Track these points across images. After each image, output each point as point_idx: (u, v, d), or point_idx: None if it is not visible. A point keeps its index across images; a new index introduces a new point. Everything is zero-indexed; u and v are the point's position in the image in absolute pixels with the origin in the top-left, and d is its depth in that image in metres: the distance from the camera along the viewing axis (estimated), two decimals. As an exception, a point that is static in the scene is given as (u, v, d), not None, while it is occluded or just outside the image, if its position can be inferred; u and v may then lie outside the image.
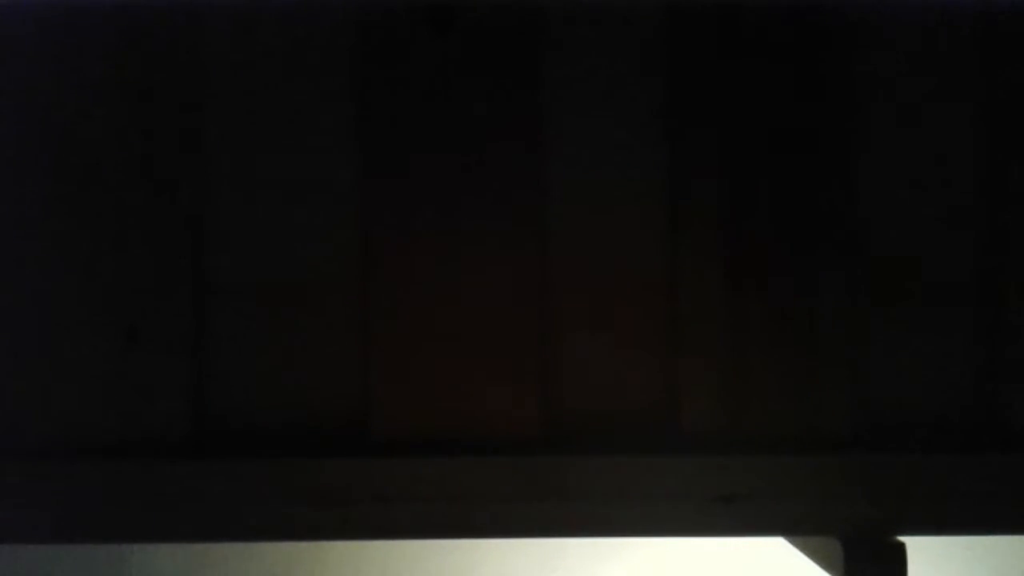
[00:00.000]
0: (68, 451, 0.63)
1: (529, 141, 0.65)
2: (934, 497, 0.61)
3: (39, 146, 0.65)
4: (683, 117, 0.66)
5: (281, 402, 0.64)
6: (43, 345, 0.64)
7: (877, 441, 0.64)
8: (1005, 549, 0.94)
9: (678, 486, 0.61)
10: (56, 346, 0.64)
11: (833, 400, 0.64)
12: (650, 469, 0.61)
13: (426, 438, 0.63)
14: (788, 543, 0.77)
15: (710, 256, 0.65)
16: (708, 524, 0.61)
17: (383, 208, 0.65)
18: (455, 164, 0.65)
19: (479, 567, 0.93)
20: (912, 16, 0.67)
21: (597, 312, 0.65)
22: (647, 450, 0.63)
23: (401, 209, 0.65)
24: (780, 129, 0.66)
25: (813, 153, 0.65)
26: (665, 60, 0.66)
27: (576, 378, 0.65)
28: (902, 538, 0.62)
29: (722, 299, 0.65)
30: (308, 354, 0.64)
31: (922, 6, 0.67)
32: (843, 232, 0.65)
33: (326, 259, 0.65)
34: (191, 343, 0.64)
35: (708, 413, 0.64)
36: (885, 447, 0.64)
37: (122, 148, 0.65)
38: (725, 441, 0.64)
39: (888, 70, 0.66)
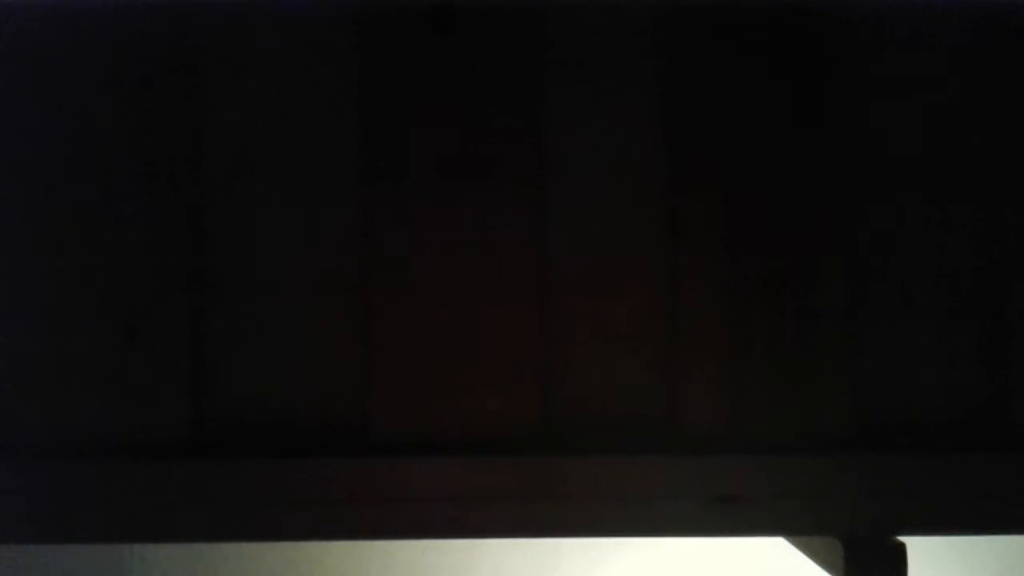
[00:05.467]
0: (68, 451, 0.63)
1: (529, 141, 0.65)
2: (934, 497, 0.61)
3: (39, 146, 0.65)
4: (683, 117, 0.66)
5: (281, 402, 0.64)
6: (43, 345, 0.64)
7: (877, 441, 0.64)
8: (1005, 549, 0.94)
9: (678, 486, 0.61)
10: (56, 346, 0.64)
11: (833, 400, 0.64)
12: (650, 469, 0.61)
13: (426, 438, 0.63)
14: (788, 543, 0.77)
15: (710, 256, 0.65)
16: (708, 524, 0.61)
17: (383, 207, 0.65)
18: (455, 163, 0.65)
19: (478, 567, 0.93)
20: (912, 16, 0.67)
21: (597, 312, 0.65)
22: (647, 450, 0.63)
23: (401, 208, 0.65)
24: (780, 129, 0.66)
25: (813, 153, 0.65)
26: (665, 60, 0.66)
27: (576, 378, 0.65)
28: (902, 538, 0.62)
29: (722, 299, 0.65)
30: (308, 354, 0.64)
31: (922, 6, 0.67)
32: (843, 232, 0.65)
33: (326, 258, 0.65)
34: (191, 343, 0.64)
35: (708, 413, 0.64)
36: (885, 447, 0.64)
37: (122, 148, 0.65)
38: (725, 441, 0.64)
39: (888, 70, 0.66)
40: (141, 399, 0.64)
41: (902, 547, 0.61)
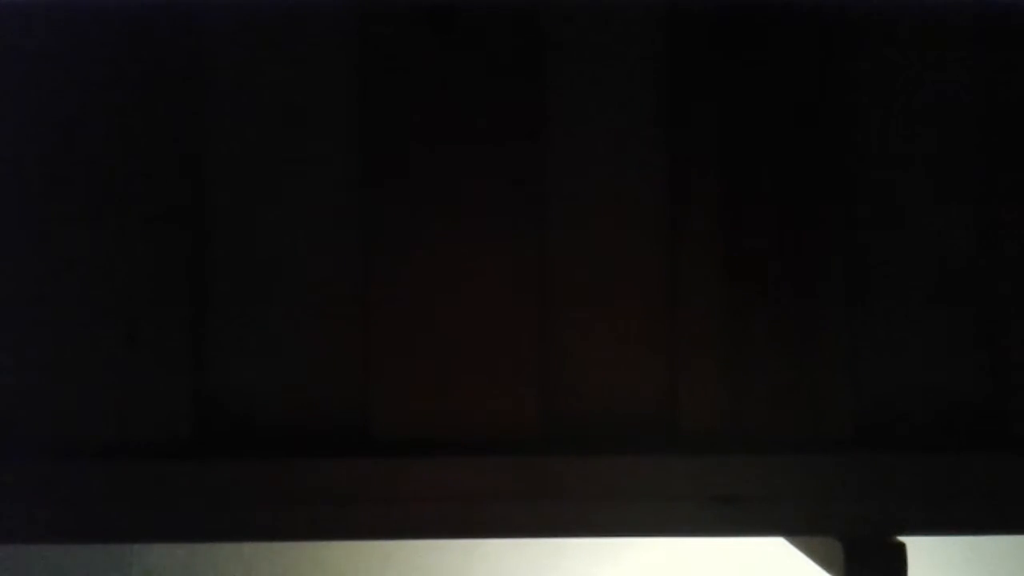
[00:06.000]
0: (68, 451, 0.63)
1: (529, 141, 0.65)
2: (934, 497, 0.61)
3: (39, 146, 0.65)
4: (683, 117, 0.66)
5: (281, 402, 0.64)
6: (43, 345, 0.64)
7: (877, 441, 0.64)
8: (1005, 549, 0.94)
9: (678, 486, 0.61)
10: (56, 346, 0.64)
11: (833, 400, 0.64)
12: (650, 469, 0.61)
13: (426, 438, 0.63)
14: (788, 543, 0.77)
15: (710, 256, 0.65)
16: (708, 524, 0.61)
17: (383, 207, 0.65)
18: (455, 164, 0.65)
19: (478, 567, 0.93)
20: (912, 16, 0.67)
21: (597, 312, 0.65)
22: (647, 450, 0.63)
23: (401, 208, 0.65)
24: (780, 129, 0.66)
25: (812, 153, 0.65)
26: (665, 60, 0.66)
27: (576, 378, 0.65)
28: (902, 538, 0.62)
29: (722, 299, 0.65)
30: (308, 354, 0.64)
31: (922, 6, 0.67)
32: (843, 232, 0.65)
33: (326, 258, 0.65)
34: (191, 343, 0.64)
35: (708, 413, 0.64)
36: (885, 447, 0.64)
37: (122, 148, 0.65)
38: (725, 441, 0.64)
39: (888, 70, 0.66)
40: (141, 399, 0.64)
41: (902, 547, 0.61)
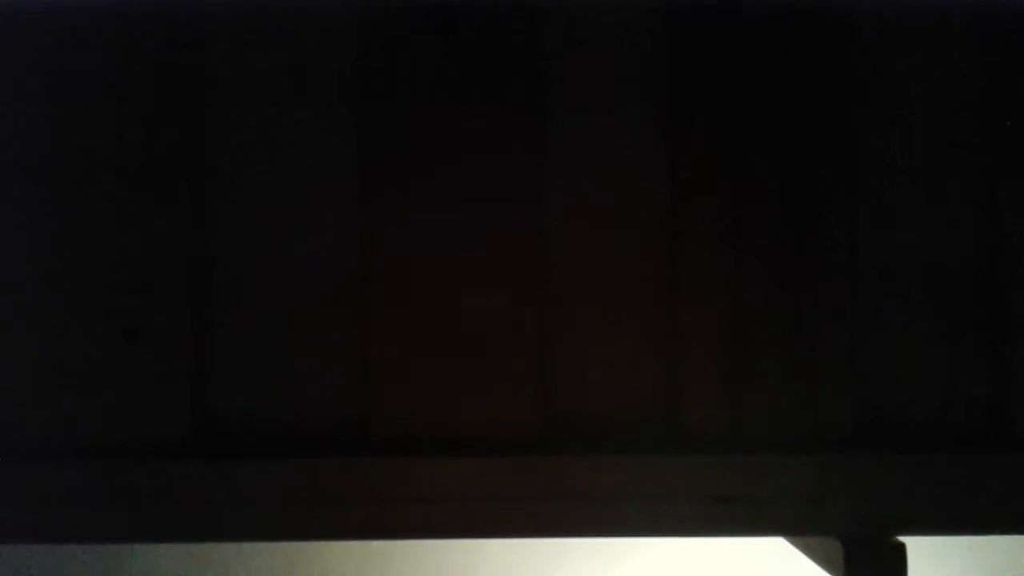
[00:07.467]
0: (68, 451, 0.63)
1: (529, 142, 0.65)
2: (934, 497, 0.61)
3: (39, 146, 0.65)
4: (684, 117, 0.66)
5: (281, 402, 0.64)
6: (42, 345, 0.64)
7: (877, 441, 0.64)
8: (1005, 549, 0.94)
9: (678, 486, 0.61)
10: (56, 346, 0.64)
11: (833, 400, 0.64)
12: (650, 469, 0.61)
13: (426, 438, 0.63)
14: (788, 543, 0.77)
15: (710, 256, 0.65)
16: (708, 524, 0.61)
17: (383, 208, 0.65)
18: (455, 165, 0.65)
19: (480, 567, 0.93)
20: (912, 16, 0.67)
21: (597, 312, 0.65)
22: (647, 450, 0.63)
23: (401, 209, 0.65)
24: (781, 130, 0.66)
25: (814, 153, 0.65)
26: (666, 60, 0.66)
27: (576, 378, 0.65)
28: (902, 538, 0.62)
29: (722, 299, 0.65)
30: (308, 354, 0.64)
31: (922, 6, 0.67)
32: (844, 232, 0.65)
33: (326, 258, 0.65)
34: (191, 343, 0.64)
35: (708, 413, 0.64)
36: (885, 447, 0.64)
37: (122, 148, 0.65)
38: (725, 441, 0.64)
39: (889, 72, 0.66)
40: (141, 399, 0.64)
41: (902, 547, 0.61)
